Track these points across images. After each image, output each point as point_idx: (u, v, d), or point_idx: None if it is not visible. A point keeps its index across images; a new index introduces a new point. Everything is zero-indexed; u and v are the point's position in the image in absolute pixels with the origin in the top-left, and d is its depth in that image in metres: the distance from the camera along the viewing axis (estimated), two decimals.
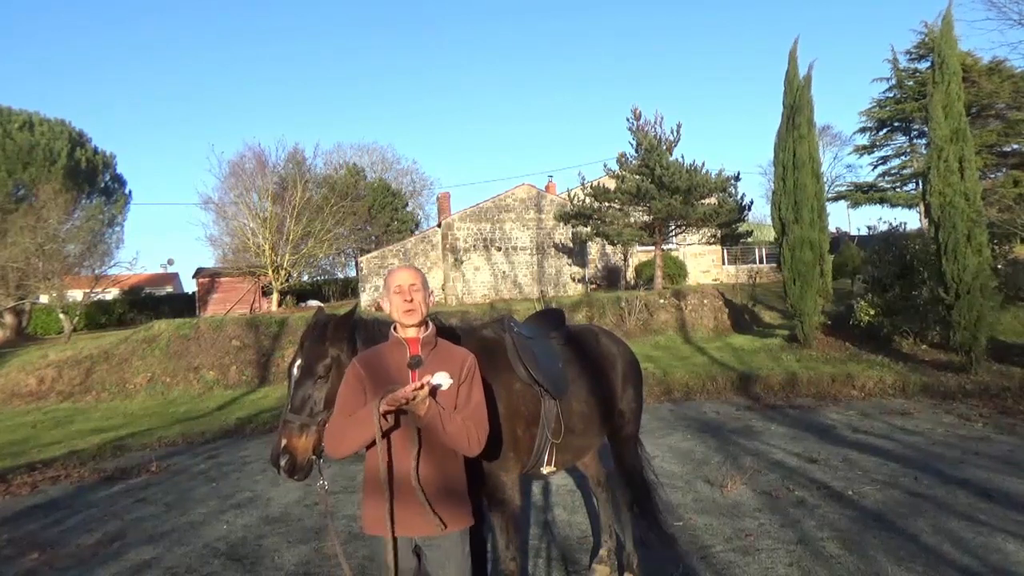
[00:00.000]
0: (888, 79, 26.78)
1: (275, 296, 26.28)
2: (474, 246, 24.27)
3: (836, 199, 30.67)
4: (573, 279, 25.12)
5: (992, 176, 22.26)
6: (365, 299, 23.43)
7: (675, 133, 18.96)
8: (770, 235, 23.10)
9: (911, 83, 25.65)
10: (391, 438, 2.03)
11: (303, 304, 27.80)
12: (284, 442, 2.27)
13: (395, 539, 2.00)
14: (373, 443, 1.97)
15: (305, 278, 31.78)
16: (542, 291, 23.72)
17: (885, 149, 28.43)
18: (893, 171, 28.13)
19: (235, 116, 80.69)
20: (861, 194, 28.58)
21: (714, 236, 23.51)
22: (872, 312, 11.85)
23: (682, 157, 18.99)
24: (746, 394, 9.54)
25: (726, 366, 11.25)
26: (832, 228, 27.22)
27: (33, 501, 6.06)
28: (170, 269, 48.22)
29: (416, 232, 32.08)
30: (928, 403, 8.24)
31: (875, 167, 28.91)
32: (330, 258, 32.61)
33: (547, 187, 28.32)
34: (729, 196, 19.59)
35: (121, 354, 14.51)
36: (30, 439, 9.55)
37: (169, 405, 12.06)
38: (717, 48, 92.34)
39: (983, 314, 9.47)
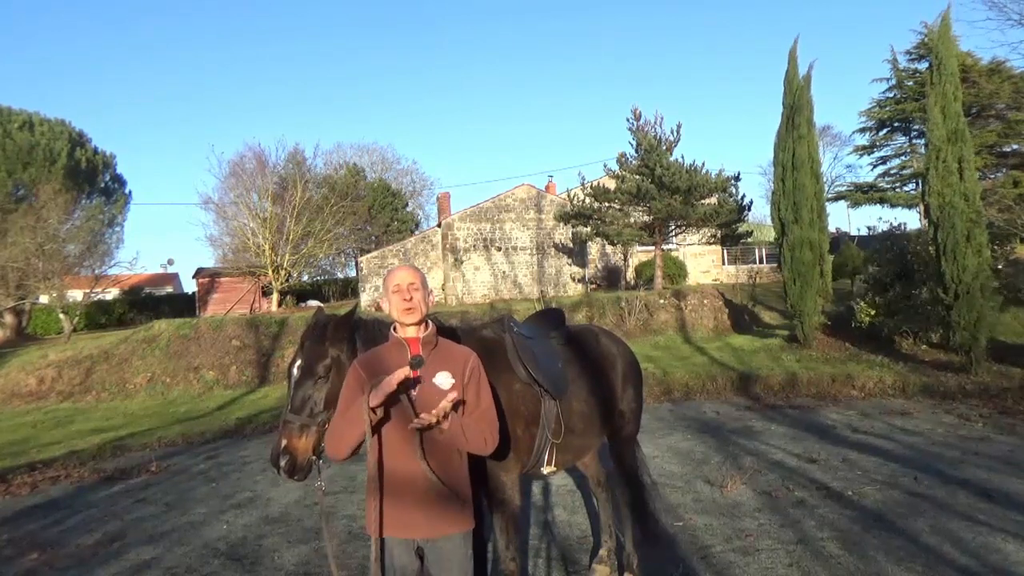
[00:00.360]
0: (888, 79, 26.79)
1: (275, 296, 26.28)
2: (474, 246, 24.27)
3: (836, 199, 30.67)
4: (573, 279, 25.12)
5: (992, 176, 22.25)
6: (365, 299, 23.43)
7: (675, 133, 18.97)
8: (770, 235, 23.12)
9: (911, 83, 25.63)
10: (391, 439, 2.02)
11: (303, 304, 27.81)
12: (284, 442, 2.27)
13: (383, 539, 2.01)
14: (377, 430, 1.97)
15: (305, 278, 31.79)
16: (542, 291, 23.72)
17: (885, 149, 28.43)
18: (893, 171, 28.12)
19: (235, 116, 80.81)
20: (861, 194, 28.57)
21: (714, 236, 23.50)
22: (872, 312, 11.85)
23: (682, 157, 19.04)
24: (746, 394, 9.54)
25: (726, 366, 11.25)
26: (832, 228, 27.30)
27: (33, 501, 6.06)
28: (170, 269, 48.28)
29: (416, 232, 32.09)
30: (928, 403, 8.24)
31: (875, 167, 28.93)
32: (330, 258, 32.62)
33: (547, 187, 28.32)
34: (729, 196, 19.60)
35: (121, 354, 14.51)
36: (30, 439, 9.55)
37: (169, 405, 12.06)
38: (717, 48, 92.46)
39: (983, 314, 9.48)
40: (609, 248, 24.54)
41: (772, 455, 6.05)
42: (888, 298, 11.81)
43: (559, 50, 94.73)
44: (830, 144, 41.63)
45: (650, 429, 7.24)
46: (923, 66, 24.78)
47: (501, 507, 2.52)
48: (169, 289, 42.54)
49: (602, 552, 3.63)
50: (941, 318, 10.24)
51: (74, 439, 9.19)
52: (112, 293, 28.74)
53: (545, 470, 2.78)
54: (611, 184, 19.66)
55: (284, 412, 2.34)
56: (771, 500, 4.76)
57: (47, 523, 5.29)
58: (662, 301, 16.41)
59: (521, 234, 24.78)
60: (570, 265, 25.19)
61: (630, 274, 24.77)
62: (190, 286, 35.08)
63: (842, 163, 71.56)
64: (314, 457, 2.30)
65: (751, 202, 20.02)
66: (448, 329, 2.50)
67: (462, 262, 24.03)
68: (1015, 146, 23.23)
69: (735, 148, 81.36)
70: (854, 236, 30.18)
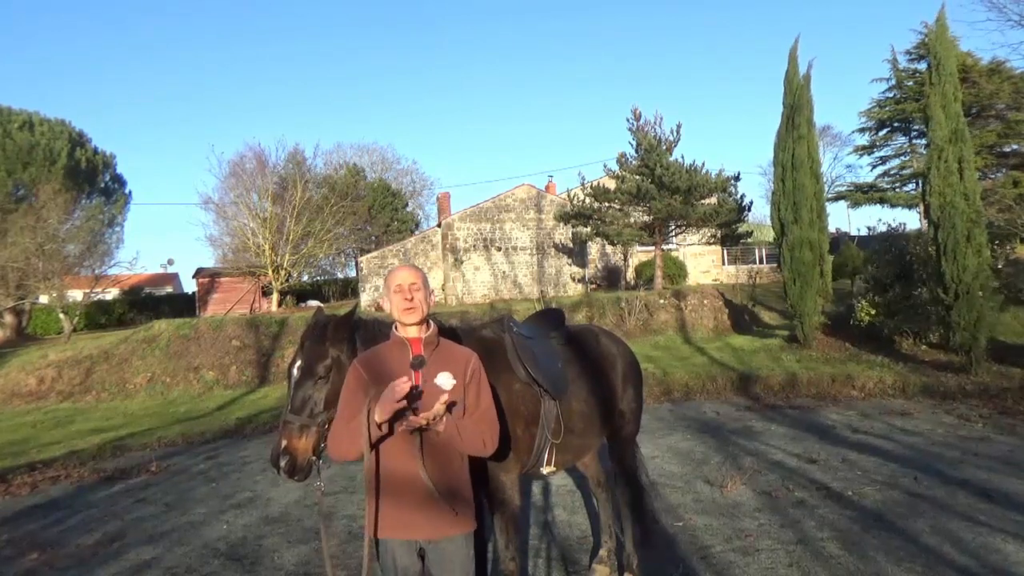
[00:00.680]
0: (888, 79, 26.82)
1: (275, 296, 26.29)
2: (474, 246, 24.27)
3: (836, 199, 30.70)
4: (573, 279, 25.13)
5: (992, 176, 22.27)
6: (365, 299, 23.44)
7: (675, 133, 18.97)
8: (770, 235, 23.05)
9: (911, 83, 25.65)
10: (390, 441, 2.01)
11: (303, 304, 27.81)
12: (284, 443, 2.26)
13: (377, 540, 2.01)
14: (376, 445, 1.97)
15: (305, 278, 31.79)
16: (542, 291, 23.72)
17: (885, 149, 28.47)
18: (893, 171, 28.15)
19: (235, 116, 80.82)
20: (861, 194, 28.60)
21: (714, 236, 23.52)
22: (872, 312, 11.85)
23: (682, 157, 19.04)
24: (746, 394, 9.54)
25: (726, 366, 11.25)
26: (832, 228, 27.25)
27: (33, 501, 6.06)
28: (170, 269, 48.28)
29: (416, 232, 32.09)
30: (928, 403, 8.24)
31: (875, 167, 28.98)
32: (330, 258, 32.63)
33: (547, 187, 28.33)
34: (729, 196, 19.60)
35: (121, 354, 14.51)
36: (30, 439, 9.54)
37: (169, 405, 12.06)
38: (717, 48, 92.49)
39: (983, 314, 9.48)
40: (609, 248, 24.54)
41: (772, 455, 6.05)
42: (888, 298, 11.81)
43: (559, 50, 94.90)
44: (830, 144, 41.69)
45: (650, 429, 7.24)
46: (923, 66, 24.74)
47: (501, 507, 2.51)
48: (169, 289, 42.55)
49: (602, 552, 3.63)
50: (941, 318, 10.24)
51: (74, 439, 9.19)
52: (112, 293, 28.75)
53: (545, 470, 2.78)
54: (611, 184, 19.66)
55: (284, 412, 2.34)
56: (771, 500, 4.76)
57: (47, 523, 5.29)
58: (662, 301, 16.40)
59: (521, 234, 24.78)
60: (570, 265, 25.19)
61: (630, 274, 24.78)
62: (190, 286, 35.13)
63: (842, 163, 71.70)
64: (314, 457, 2.29)
65: (751, 202, 20.06)
66: (448, 329, 2.50)
67: (462, 262, 24.03)
68: (1015, 146, 23.25)
69: (735, 148, 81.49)
70: (854, 236, 30.16)
